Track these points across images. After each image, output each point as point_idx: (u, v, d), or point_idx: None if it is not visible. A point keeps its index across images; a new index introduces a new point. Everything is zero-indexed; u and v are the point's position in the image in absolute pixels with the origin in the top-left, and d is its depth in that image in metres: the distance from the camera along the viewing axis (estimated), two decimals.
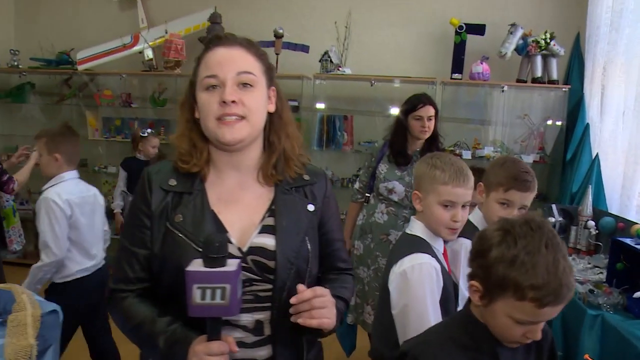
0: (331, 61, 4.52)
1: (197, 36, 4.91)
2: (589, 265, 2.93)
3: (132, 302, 1.23)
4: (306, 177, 1.35)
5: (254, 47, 1.27)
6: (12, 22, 5.66)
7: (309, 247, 1.27)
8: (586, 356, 1.94)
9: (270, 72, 1.30)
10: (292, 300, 1.14)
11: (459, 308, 1.82)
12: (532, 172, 1.94)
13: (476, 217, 2.01)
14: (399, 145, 3.03)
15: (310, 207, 1.31)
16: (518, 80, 4.42)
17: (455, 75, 4.45)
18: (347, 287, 1.37)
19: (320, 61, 4.53)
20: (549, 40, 4.24)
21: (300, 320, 1.13)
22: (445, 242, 1.74)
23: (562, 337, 2.47)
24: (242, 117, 1.20)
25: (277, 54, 4.48)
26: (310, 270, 1.27)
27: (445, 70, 4.52)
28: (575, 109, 4.21)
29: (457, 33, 4.43)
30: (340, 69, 4.56)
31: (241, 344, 1.17)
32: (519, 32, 4.31)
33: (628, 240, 2.57)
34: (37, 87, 5.47)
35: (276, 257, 1.22)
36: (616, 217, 3.07)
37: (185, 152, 1.27)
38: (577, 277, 2.68)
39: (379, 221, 3.00)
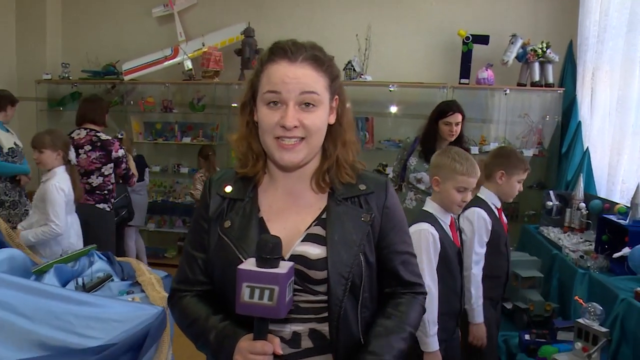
0: (354, 70, 5.10)
1: (232, 48, 5.50)
2: (581, 240, 3.51)
3: (190, 300, 1.27)
4: (362, 186, 1.28)
5: (319, 62, 1.21)
6: (60, 38, 6.23)
7: (363, 261, 1.22)
8: (576, 297, 2.53)
9: (335, 83, 1.25)
10: None
11: (473, 271, 2.45)
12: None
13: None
14: (428, 144, 3.49)
15: (364, 217, 1.25)
16: (519, 84, 4.98)
17: (463, 80, 5.02)
18: (414, 316, 1.28)
19: (343, 70, 5.08)
20: (545, 49, 4.80)
21: None
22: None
23: (558, 291, 3.08)
24: (302, 139, 1.18)
25: None
26: (364, 286, 1.22)
27: (454, 76, 5.07)
28: (568, 108, 4.77)
29: (464, 43, 4.99)
30: (362, 76, 5.14)
31: (278, 356, 1.15)
32: (519, 42, 4.85)
33: (612, 217, 3.15)
34: (84, 96, 6.04)
35: (328, 271, 1.19)
36: (603, 199, 3.65)
37: (243, 156, 1.27)
38: (571, 249, 3.28)
39: (408, 207, 3.55)
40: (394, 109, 5.43)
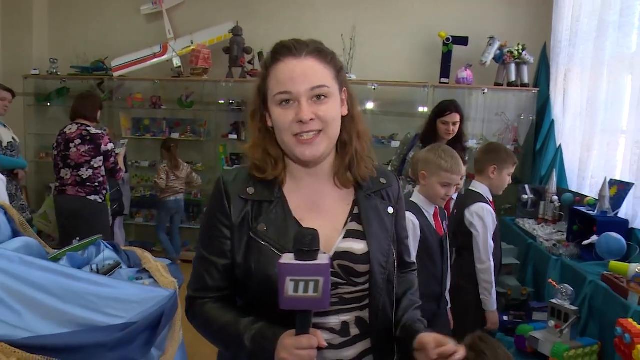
0: None
1: (221, 46, 5.65)
2: (554, 230, 3.76)
3: (213, 306, 1.24)
4: (383, 180, 1.34)
5: (323, 54, 1.23)
6: (47, 33, 6.28)
7: (394, 250, 1.30)
8: (550, 280, 2.76)
9: (341, 75, 1.27)
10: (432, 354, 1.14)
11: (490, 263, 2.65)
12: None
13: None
14: (428, 141, 3.59)
15: (390, 210, 1.32)
16: (496, 84, 5.26)
17: (444, 80, 5.27)
18: (416, 288, 1.45)
19: None
20: (521, 51, 5.08)
21: None
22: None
23: (533, 277, 3.32)
24: (319, 131, 1.20)
25: None
26: (396, 274, 1.31)
27: (435, 75, 5.32)
28: (542, 107, 5.06)
29: (444, 44, 5.23)
30: (347, 75, 5.33)
31: (329, 345, 1.18)
32: (496, 44, 5.12)
33: (582, 209, 3.41)
34: (72, 92, 6.09)
35: (371, 263, 1.23)
36: (574, 193, 3.91)
37: (260, 162, 1.26)
38: (545, 238, 3.53)
39: (406, 197, 3.76)
40: (377, 107, 5.64)
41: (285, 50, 1.21)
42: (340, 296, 1.22)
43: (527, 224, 3.97)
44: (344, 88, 1.27)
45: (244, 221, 1.22)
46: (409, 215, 2.35)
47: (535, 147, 5.02)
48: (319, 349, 1.09)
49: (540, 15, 5.19)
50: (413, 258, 1.49)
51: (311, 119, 1.17)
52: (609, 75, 3.70)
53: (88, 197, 3.93)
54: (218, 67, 5.67)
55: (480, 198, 2.81)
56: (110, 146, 4.03)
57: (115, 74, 5.70)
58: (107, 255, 2.62)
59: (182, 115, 5.93)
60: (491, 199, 2.87)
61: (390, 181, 1.35)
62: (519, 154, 5.31)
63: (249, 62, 5.58)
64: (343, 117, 1.26)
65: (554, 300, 2.62)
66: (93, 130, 3.98)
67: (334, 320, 1.22)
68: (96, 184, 3.96)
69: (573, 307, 2.54)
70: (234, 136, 5.65)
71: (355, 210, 1.28)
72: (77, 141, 3.90)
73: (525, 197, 4.21)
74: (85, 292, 1.90)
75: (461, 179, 2.52)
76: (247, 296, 1.24)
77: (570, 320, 2.52)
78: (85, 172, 3.92)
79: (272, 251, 1.19)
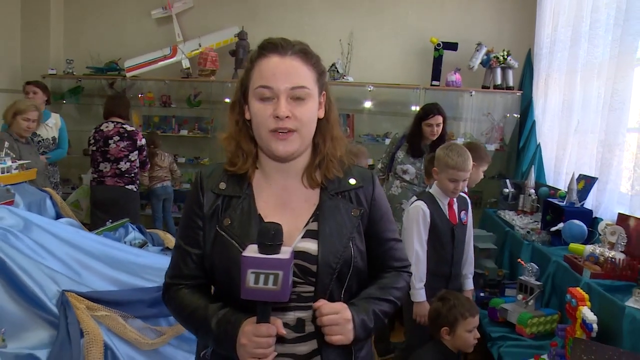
0: (337, 71, 5.68)
1: (227, 49, 6.02)
2: (531, 221, 4.15)
3: (186, 292, 1.29)
4: (352, 181, 1.34)
5: (307, 56, 1.26)
6: (62, 36, 6.64)
7: (353, 251, 1.28)
8: (519, 259, 3.17)
9: (322, 78, 1.30)
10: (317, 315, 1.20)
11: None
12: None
13: None
14: (414, 142, 4.04)
15: (354, 212, 1.31)
16: (483, 87, 5.65)
17: (434, 82, 5.66)
18: (397, 287, 1.38)
19: (328, 71, 5.66)
20: (506, 57, 5.47)
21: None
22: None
23: (509, 260, 3.73)
24: (294, 130, 1.22)
25: None
26: (352, 273, 1.28)
27: (427, 78, 5.70)
28: (526, 109, 5.45)
29: (435, 49, 5.62)
30: (344, 77, 5.73)
31: (283, 340, 1.21)
32: (484, 50, 5.51)
33: (555, 200, 3.81)
34: (85, 91, 6.48)
35: (317, 262, 1.24)
36: (550, 187, 4.30)
37: (233, 154, 1.30)
38: (521, 227, 3.93)
39: (394, 193, 4.14)
40: (372, 107, 6.04)
41: (271, 46, 1.24)
42: (298, 294, 1.24)
43: (507, 215, 4.36)
44: (324, 92, 1.31)
45: (214, 214, 1.27)
46: (420, 204, 2.72)
47: (519, 145, 5.43)
48: (279, 339, 1.16)
49: (525, 23, 5.58)
50: (412, 244, 1.51)
51: (287, 117, 1.20)
52: (581, 81, 4.10)
53: (126, 186, 4.37)
54: (224, 69, 6.05)
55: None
56: (143, 141, 4.48)
57: (129, 74, 6.06)
58: (134, 236, 3.02)
59: (190, 113, 6.30)
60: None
61: (364, 183, 1.35)
62: (504, 151, 5.73)
63: None
64: (319, 120, 1.30)
65: (522, 277, 3.04)
66: (129, 127, 4.42)
67: (290, 316, 1.24)
68: (132, 175, 4.40)
69: (537, 282, 2.97)
70: None
71: (318, 212, 1.29)
72: (116, 138, 4.33)
73: (507, 190, 4.60)
74: (127, 260, 2.30)
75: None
76: (215, 286, 1.31)
77: (534, 293, 2.94)
78: (124, 165, 4.36)
79: (233, 245, 1.23)
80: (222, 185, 1.29)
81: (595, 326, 2.19)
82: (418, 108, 5.35)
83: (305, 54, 1.26)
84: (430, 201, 2.76)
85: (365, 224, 1.33)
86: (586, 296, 2.35)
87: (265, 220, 1.23)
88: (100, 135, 4.33)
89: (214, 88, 6.08)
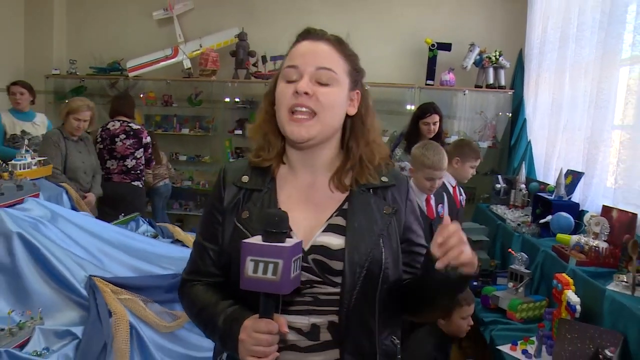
0: None
1: (227, 50, 6.19)
2: (522, 215, 4.33)
3: (200, 288, 1.25)
4: (384, 179, 1.27)
5: (341, 46, 1.24)
6: (65, 37, 6.79)
7: (383, 250, 1.19)
8: (510, 250, 3.35)
9: (356, 75, 1.26)
10: (437, 239, 1.07)
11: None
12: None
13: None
14: (412, 140, 4.13)
15: (387, 210, 1.23)
16: (476, 86, 5.84)
17: (429, 82, 5.84)
18: None
19: None
20: (498, 57, 5.66)
21: (448, 261, 1.05)
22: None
23: (501, 252, 3.92)
24: (314, 113, 1.16)
25: None
26: (384, 276, 1.18)
27: (421, 78, 5.89)
28: (517, 107, 5.64)
29: (430, 50, 5.81)
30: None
31: (293, 347, 1.14)
32: (476, 50, 5.70)
33: (544, 194, 4.00)
34: (88, 90, 6.61)
35: (344, 259, 1.15)
36: (539, 182, 4.49)
37: (259, 146, 1.27)
38: (512, 220, 4.12)
39: None
40: None
41: (307, 33, 1.25)
42: (314, 296, 1.16)
43: (500, 209, 4.55)
44: (357, 90, 1.26)
45: (234, 208, 1.22)
46: None
47: (511, 142, 5.62)
48: (290, 346, 1.10)
49: (516, 25, 5.75)
50: None
51: (306, 93, 1.15)
52: (570, 80, 4.28)
53: (132, 182, 4.55)
54: (225, 69, 6.21)
55: None
56: (148, 139, 4.64)
57: (131, 75, 6.22)
58: (144, 228, 3.19)
59: (192, 112, 6.46)
60: (453, 184, 3.34)
61: (397, 182, 1.29)
62: (497, 149, 5.92)
63: (254, 65, 6.13)
64: (352, 118, 1.26)
65: (512, 266, 3.22)
66: (134, 126, 4.58)
67: (304, 321, 1.15)
68: (138, 171, 4.57)
69: (527, 271, 3.15)
70: (239, 132, 6.16)
71: (345, 206, 1.23)
72: (122, 136, 4.49)
73: (499, 186, 4.78)
74: (143, 249, 2.47)
75: None
76: (232, 283, 1.18)
77: (524, 281, 3.12)
78: (130, 162, 4.53)
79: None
80: (245, 179, 1.25)
81: (578, 307, 2.37)
82: (413, 107, 5.55)
83: (339, 43, 1.24)
84: None
85: (401, 225, 1.26)
86: (571, 281, 2.53)
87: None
88: (107, 133, 4.48)
89: (214, 88, 6.25)
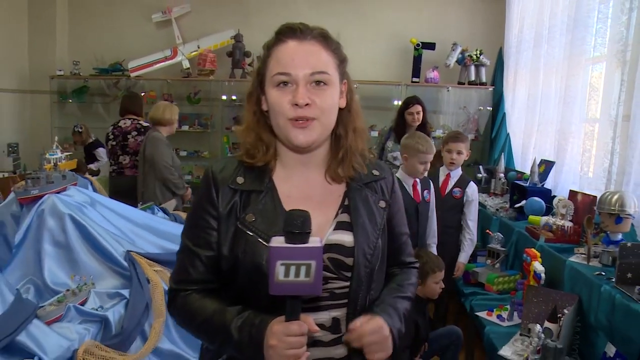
0: None
1: (224, 50, 6.51)
2: (501, 201, 4.73)
3: (197, 297, 1.19)
4: (375, 172, 1.29)
5: (328, 40, 1.20)
6: (67, 39, 7.05)
7: (381, 243, 1.24)
8: (487, 230, 3.74)
9: (343, 66, 1.24)
10: (345, 338, 1.13)
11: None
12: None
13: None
14: (400, 130, 4.59)
15: (382, 204, 1.27)
16: (459, 83, 6.23)
17: (415, 79, 6.23)
18: (411, 282, 1.35)
19: None
20: (479, 55, 6.05)
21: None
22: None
23: (481, 234, 4.31)
24: (314, 119, 1.15)
25: None
26: (380, 268, 1.24)
27: (407, 75, 6.28)
28: (497, 103, 6.04)
29: (415, 49, 6.18)
30: None
31: (319, 342, 1.14)
32: (459, 49, 6.09)
33: (520, 182, 4.39)
34: (90, 90, 6.90)
35: (354, 255, 1.18)
36: (517, 171, 4.89)
37: (251, 146, 1.22)
38: (492, 205, 4.51)
39: None
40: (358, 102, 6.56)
41: (289, 31, 1.18)
42: (331, 291, 1.17)
43: (481, 197, 4.92)
44: (345, 80, 1.25)
45: (231, 211, 1.18)
46: None
47: (492, 135, 6.02)
48: (313, 341, 1.09)
49: (496, 25, 6.13)
50: (413, 254, 1.44)
51: (307, 104, 1.13)
52: (543, 78, 4.67)
53: None
54: (222, 69, 6.54)
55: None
56: None
57: (132, 75, 6.51)
58: (162, 215, 3.53)
59: (191, 110, 6.76)
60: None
61: (384, 174, 1.33)
62: (479, 141, 6.32)
63: (249, 64, 6.46)
64: (340, 110, 1.23)
65: (490, 245, 3.62)
66: (144, 124, 4.90)
67: (325, 316, 1.17)
68: None
69: (503, 249, 3.55)
70: None
71: (346, 202, 1.24)
72: (134, 133, 4.83)
73: (480, 175, 5.17)
74: (167, 231, 2.83)
75: None
76: (234, 288, 1.18)
77: (500, 257, 3.52)
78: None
79: (259, 242, 1.14)
80: (240, 180, 1.20)
81: (543, 275, 2.77)
82: (400, 102, 5.91)
83: (325, 38, 1.21)
84: (398, 184, 3.29)
85: (387, 216, 1.29)
86: (538, 254, 2.93)
87: None
88: (119, 131, 4.81)
89: (212, 86, 6.58)
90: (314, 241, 1.00)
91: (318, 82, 1.15)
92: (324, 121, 1.18)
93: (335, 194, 1.25)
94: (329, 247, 1.16)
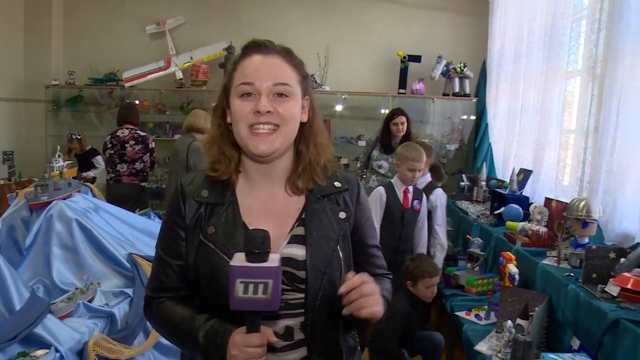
0: (315, 82, 6.40)
1: (216, 62, 6.69)
2: (483, 208, 4.94)
3: (170, 304, 1.25)
4: (337, 184, 1.31)
5: (291, 56, 1.24)
6: (61, 50, 7.20)
7: (341, 255, 1.25)
8: (468, 235, 3.94)
9: (305, 82, 1.27)
10: (342, 289, 1.12)
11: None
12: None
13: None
14: (385, 140, 4.82)
15: (342, 215, 1.28)
16: (444, 94, 6.45)
17: (401, 91, 6.44)
18: (387, 288, 1.34)
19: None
20: (463, 68, 6.28)
21: (351, 312, 1.12)
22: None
23: (462, 240, 4.51)
24: (276, 126, 1.18)
25: None
26: (343, 278, 1.22)
27: (394, 87, 6.48)
28: (480, 113, 6.27)
29: (401, 61, 6.40)
30: (322, 87, 6.47)
31: (271, 348, 1.15)
32: (444, 62, 6.32)
33: (500, 190, 4.60)
34: (85, 100, 7.03)
35: (307, 268, 1.20)
36: (498, 179, 5.10)
37: (215, 160, 1.26)
38: (473, 212, 4.72)
39: (372, 186, 4.84)
40: (346, 112, 6.79)
41: (255, 46, 1.23)
42: (285, 302, 1.20)
43: (464, 204, 5.14)
44: (307, 97, 1.28)
45: (197, 223, 1.23)
46: (380, 189, 3.48)
47: (475, 145, 6.25)
48: (269, 347, 1.10)
49: (479, 39, 6.37)
50: (384, 267, 1.44)
51: (268, 111, 1.17)
52: (523, 90, 4.90)
53: (140, 183, 5.07)
54: (214, 79, 6.71)
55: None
56: (153, 144, 5.14)
57: (127, 85, 6.68)
58: (158, 221, 3.68)
59: (183, 120, 6.81)
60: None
61: (349, 186, 1.34)
62: (463, 150, 6.55)
63: None
64: (302, 125, 1.27)
65: (470, 249, 3.81)
66: (142, 133, 5.10)
67: (279, 325, 1.21)
68: (144, 173, 5.08)
69: (482, 253, 3.74)
70: None
71: (304, 215, 1.26)
72: (132, 142, 5.00)
73: (463, 183, 5.39)
74: None
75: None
76: (200, 297, 1.24)
77: (479, 261, 3.72)
78: (139, 165, 5.05)
79: (218, 254, 1.19)
80: (205, 193, 1.25)
81: (517, 277, 2.97)
82: (387, 112, 6.13)
83: (288, 53, 1.25)
84: (389, 188, 3.52)
85: (351, 227, 1.31)
86: (513, 257, 3.13)
87: (250, 227, 1.19)
88: (117, 140, 4.97)
89: (205, 97, 6.74)
90: (273, 260, 1.04)
91: (280, 94, 1.20)
92: (285, 131, 1.21)
93: (294, 207, 1.28)
94: (283, 261, 1.14)
